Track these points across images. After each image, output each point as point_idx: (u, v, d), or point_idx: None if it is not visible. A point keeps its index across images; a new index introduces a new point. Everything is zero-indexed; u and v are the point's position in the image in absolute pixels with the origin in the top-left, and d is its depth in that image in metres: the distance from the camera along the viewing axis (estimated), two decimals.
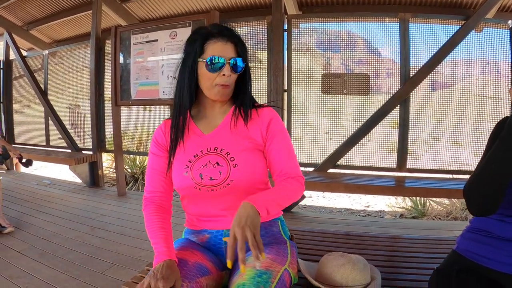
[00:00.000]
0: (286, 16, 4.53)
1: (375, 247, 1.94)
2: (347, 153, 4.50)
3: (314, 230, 2.26)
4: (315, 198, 6.24)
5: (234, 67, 1.40)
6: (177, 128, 1.48)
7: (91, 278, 2.91)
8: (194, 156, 1.45)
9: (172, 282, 1.19)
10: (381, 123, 4.38)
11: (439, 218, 4.84)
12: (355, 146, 4.46)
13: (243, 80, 1.49)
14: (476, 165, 1.27)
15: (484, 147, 1.33)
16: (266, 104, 1.57)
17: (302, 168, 4.61)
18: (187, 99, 1.46)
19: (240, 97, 1.50)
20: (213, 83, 1.40)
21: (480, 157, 1.31)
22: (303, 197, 4.54)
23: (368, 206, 5.75)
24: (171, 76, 4.50)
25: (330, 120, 4.66)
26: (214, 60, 1.37)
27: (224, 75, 1.39)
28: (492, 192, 1.16)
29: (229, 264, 1.13)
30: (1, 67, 7.74)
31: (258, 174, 1.44)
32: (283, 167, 1.45)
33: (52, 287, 2.80)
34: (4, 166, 7.53)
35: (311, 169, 4.65)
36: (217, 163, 1.41)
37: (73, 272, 3.03)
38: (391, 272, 1.63)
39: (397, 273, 1.64)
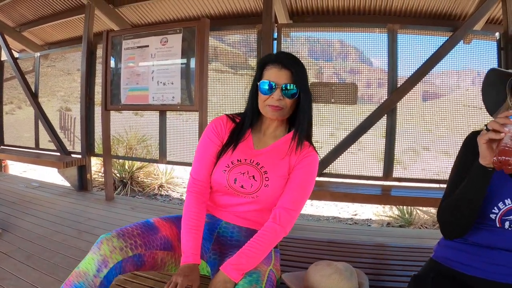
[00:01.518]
0: (276, 25, 4.56)
1: (360, 255, 1.99)
2: (334, 162, 4.53)
3: (300, 237, 2.31)
4: None
5: (286, 93, 1.52)
6: (238, 132, 1.65)
7: None
8: (238, 160, 1.60)
9: (191, 282, 1.36)
10: (368, 132, 4.41)
11: (426, 227, 4.90)
12: (342, 154, 4.49)
13: (300, 108, 1.59)
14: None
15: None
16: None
17: None
18: (250, 114, 1.65)
19: (296, 126, 1.62)
20: (265, 104, 1.56)
21: (451, 168, 1.44)
22: None
23: (355, 215, 5.80)
24: (161, 82, 4.53)
25: (320, 130, 4.70)
26: (266, 84, 1.53)
27: (273, 97, 1.53)
28: (464, 222, 1.31)
29: None
30: None
31: (279, 197, 1.56)
32: (284, 197, 1.56)
33: None
34: None
35: None
36: (253, 177, 1.57)
37: (59, 275, 3.04)
38: (376, 280, 1.67)
39: (381, 280, 1.68)
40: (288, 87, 1.53)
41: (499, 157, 1.09)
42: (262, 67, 1.60)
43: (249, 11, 5.54)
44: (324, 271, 1.47)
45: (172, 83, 4.46)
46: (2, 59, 7.61)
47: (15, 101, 8.04)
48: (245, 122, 1.66)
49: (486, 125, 1.20)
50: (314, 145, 1.68)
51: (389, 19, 4.83)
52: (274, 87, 1.53)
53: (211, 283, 1.36)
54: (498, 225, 1.31)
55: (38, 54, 6.99)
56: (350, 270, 1.49)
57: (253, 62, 4.64)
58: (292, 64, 1.55)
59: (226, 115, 1.74)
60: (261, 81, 1.56)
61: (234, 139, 1.65)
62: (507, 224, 1.30)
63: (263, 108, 1.58)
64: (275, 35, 4.53)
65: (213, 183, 1.64)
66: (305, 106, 1.59)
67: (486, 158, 1.18)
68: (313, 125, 1.68)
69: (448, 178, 1.47)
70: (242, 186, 1.56)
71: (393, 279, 1.70)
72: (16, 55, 7.57)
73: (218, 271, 1.42)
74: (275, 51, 4.47)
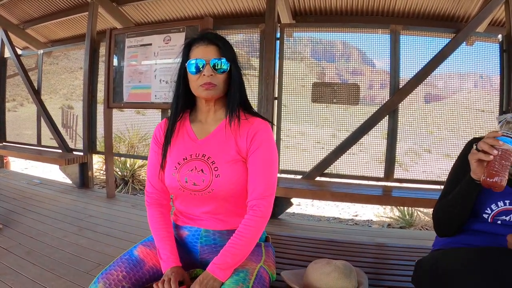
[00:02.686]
0: (279, 24, 4.58)
1: (360, 254, 1.98)
2: (335, 162, 4.53)
3: (300, 236, 2.29)
4: (303, 206, 6.28)
5: (217, 68, 1.46)
6: (168, 132, 1.58)
7: (76, 278, 2.93)
8: (184, 159, 1.52)
9: (181, 277, 1.40)
10: (370, 133, 4.42)
11: (426, 229, 4.90)
12: (344, 155, 4.50)
13: (232, 82, 1.53)
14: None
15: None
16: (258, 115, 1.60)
17: (290, 176, 4.67)
18: (176, 105, 1.57)
19: (230, 103, 1.54)
20: (197, 84, 1.47)
21: (451, 168, 1.49)
22: (290, 204, 4.57)
23: (356, 215, 5.80)
24: (163, 80, 4.55)
25: (323, 130, 4.71)
26: (194, 63, 1.45)
27: (204, 75, 1.45)
28: (455, 223, 1.39)
29: None
30: None
31: (239, 185, 1.49)
32: (255, 186, 1.48)
33: (38, 285, 2.82)
34: None
35: (299, 176, 4.68)
36: (202, 171, 1.48)
37: (59, 271, 3.05)
38: (376, 279, 1.66)
39: (381, 279, 1.67)
40: (218, 62, 1.46)
41: (488, 179, 1.16)
42: (188, 49, 1.53)
43: (252, 11, 5.55)
44: (324, 269, 1.45)
45: (175, 82, 4.44)
46: (5, 56, 7.66)
47: (17, 98, 8.10)
48: (174, 114, 1.59)
49: (476, 145, 1.24)
50: (258, 114, 1.62)
51: (392, 20, 4.85)
52: (203, 64, 1.46)
53: (196, 281, 1.32)
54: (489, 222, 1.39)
55: (41, 51, 7.04)
56: (349, 268, 1.48)
57: (256, 62, 4.64)
58: (218, 38, 1.51)
59: (167, 117, 1.66)
60: (188, 60, 1.48)
61: (169, 137, 1.59)
62: (498, 222, 1.37)
63: (196, 90, 1.51)
64: (278, 35, 4.54)
65: (169, 188, 1.60)
66: (236, 79, 1.52)
67: (476, 174, 1.25)
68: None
69: (446, 178, 1.52)
70: (194, 184, 1.49)
71: (392, 278, 1.70)
72: (19, 52, 7.62)
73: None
74: (278, 51, 4.51)
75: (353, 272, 1.48)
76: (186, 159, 1.52)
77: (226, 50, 1.49)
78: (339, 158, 4.52)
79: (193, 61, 1.46)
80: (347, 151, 4.49)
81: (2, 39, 7.45)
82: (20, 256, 3.36)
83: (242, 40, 4.91)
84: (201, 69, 1.45)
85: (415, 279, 1.47)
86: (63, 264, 3.20)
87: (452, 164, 1.52)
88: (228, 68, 1.49)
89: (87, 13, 5.91)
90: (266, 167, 1.49)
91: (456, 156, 1.51)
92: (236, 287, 1.29)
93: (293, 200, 4.64)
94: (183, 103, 1.58)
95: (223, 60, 1.47)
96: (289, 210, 5.25)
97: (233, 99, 1.53)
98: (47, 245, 3.63)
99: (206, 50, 1.47)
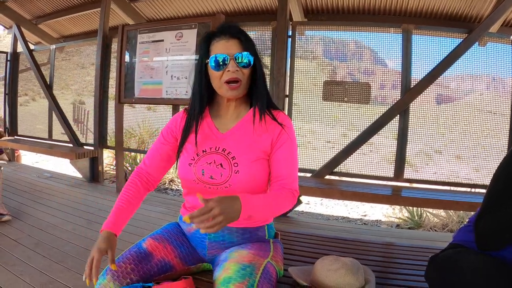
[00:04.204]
0: (291, 22, 4.59)
1: (368, 252, 1.96)
2: (345, 161, 4.54)
3: (308, 233, 2.27)
4: (312, 205, 6.28)
5: (240, 62, 1.43)
6: (187, 126, 1.58)
7: (84, 270, 2.97)
8: (203, 151, 1.52)
9: (105, 252, 1.35)
10: (380, 132, 4.42)
11: (435, 230, 4.89)
12: (354, 154, 4.50)
13: (258, 77, 1.51)
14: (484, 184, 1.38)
15: (495, 167, 1.37)
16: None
17: (300, 174, 4.69)
18: (198, 102, 1.54)
19: (255, 99, 1.54)
20: (221, 81, 1.45)
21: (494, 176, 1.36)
22: (299, 202, 4.59)
23: (365, 215, 5.79)
24: (175, 76, 4.58)
25: (333, 129, 4.73)
26: (217, 58, 1.42)
27: (229, 71, 1.42)
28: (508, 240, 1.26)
29: (185, 219, 1.22)
30: (8, 59, 7.86)
31: (258, 183, 1.49)
32: (281, 177, 1.49)
33: (46, 276, 2.86)
34: (5, 157, 7.67)
35: (308, 174, 4.69)
36: (221, 165, 1.47)
37: (68, 263, 3.09)
38: (383, 277, 1.65)
39: (388, 278, 1.66)
40: (241, 56, 1.43)
41: None
42: (208, 44, 1.48)
43: (264, 8, 5.57)
44: (331, 266, 1.45)
45: (186, 78, 4.49)
46: (18, 50, 7.78)
47: (29, 93, 8.21)
48: (194, 110, 1.57)
49: None
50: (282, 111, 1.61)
51: (404, 19, 4.83)
52: (226, 59, 1.42)
53: (215, 198, 1.24)
54: None
55: (53, 46, 7.13)
56: (357, 265, 1.48)
57: (267, 59, 4.66)
58: (239, 32, 1.47)
59: (185, 109, 1.66)
60: (210, 57, 1.44)
61: (188, 131, 1.57)
62: None
63: (220, 87, 1.48)
64: (290, 33, 4.56)
65: (182, 180, 1.58)
66: (260, 73, 1.51)
67: None
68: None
69: (488, 186, 1.35)
70: (211, 177, 1.48)
71: (400, 277, 1.68)
72: (31, 47, 7.71)
73: (220, 262, 1.44)
74: (289, 49, 4.53)
75: (360, 269, 1.48)
76: (206, 151, 1.51)
77: (248, 43, 1.46)
78: (349, 157, 4.52)
79: (216, 57, 1.42)
80: (357, 150, 4.50)
81: (15, 34, 7.56)
82: (29, 248, 3.41)
83: (254, 38, 4.91)
84: (225, 64, 1.42)
85: (429, 277, 1.45)
86: (71, 257, 3.24)
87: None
88: (252, 62, 1.47)
89: (99, 9, 5.97)
90: (293, 165, 1.51)
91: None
92: (242, 281, 1.27)
93: (302, 198, 4.64)
94: (204, 99, 1.56)
95: (247, 54, 1.44)
96: (298, 208, 5.27)
97: (261, 95, 1.53)
98: (56, 237, 3.68)
99: (228, 45, 1.44)
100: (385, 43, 4.47)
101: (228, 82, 1.44)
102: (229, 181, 1.45)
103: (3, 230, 3.81)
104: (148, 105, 5.84)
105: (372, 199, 4.11)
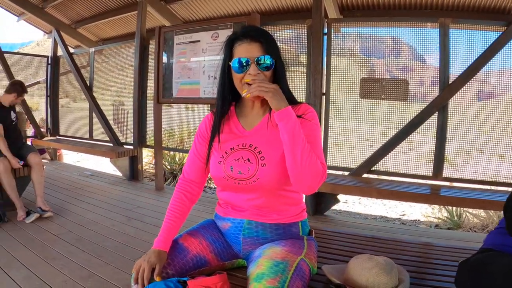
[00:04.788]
0: (326, 20, 4.59)
1: (404, 252, 1.95)
2: (383, 159, 4.51)
3: (343, 231, 2.28)
4: (350, 204, 6.28)
5: (262, 64, 1.47)
6: (215, 126, 1.63)
7: (123, 265, 3.08)
8: (231, 149, 1.57)
9: (154, 265, 1.42)
10: (418, 130, 4.36)
11: (475, 231, 4.78)
12: (392, 152, 4.46)
13: (279, 78, 1.54)
14: None
15: None
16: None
17: (337, 172, 4.68)
18: (222, 102, 1.61)
19: None
20: (242, 83, 1.50)
21: None
22: (337, 200, 4.59)
23: (403, 215, 5.73)
24: (212, 76, 4.67)
25: (372, 127, 4.70)
26: (239, 62, 1.47)
27: (250, 73, 1.46)
28: None
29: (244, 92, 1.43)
30: (49, 63, 8.21)
31: (284, 175, 1.50)
32: None
33: (86, 270, 2.99)
34: (47, 156, 7.99)
35: (346, 173, 4.69)
36: (248, 160, 1.52)
37: (107, 258, 3.21)
38: (418, 278, 1.64)
39: (423, 278, 1.64)
40: (263, 59, 1.47)
41: None
42: (230, 46, 1.53)
43: (299, 6, 5.59)
44: (365, 264, 1.46)
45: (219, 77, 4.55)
46: (58, 54, 8.11)
47: (70, 94, 8.52)
48: (220, 109, 1.63)
49: None
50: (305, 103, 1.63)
51: (440, 13, 4.73)
52: (248, 62, 1.46)
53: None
54: None
55: (92, 49, 7.40)
56: (391, 265, 1.47)
57: (303, 57, 4.67)
58: (261, 35, 1.51)
59: (212, 111, 1.71)
60: (233, 59, 1.49)
61: (216, 130, 1.62)
62: None
63: (240, 88, 1.52)
64: (325, 30, 4.55)
65: (214, 178, 1.63)
66: (281, 75, 1.55)
67: None
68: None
69: None
70: (239, 172, 1.53)
71: (435, 278, 1.65)
72: (71, 50, 8.03)
73: (254, 258, 1.49)
74: (325, 47, 4.53)
75: (394, 269, 1.47)
76: (233, 148, 1.57)
77: (270, 46, 1.50)
78: (387, 155, 4.49)
79: (238, 60, 1.47)
80: (395, 149, 4.45)
81: (55, 39, 7.90)
82: (70, 243, 3.56)
83: (290, 36, 4.96)
84: (247, 67, 1.47)
85: (459, 282, 1.43)
86: (111, 252, 3.37)
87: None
88: (274, 65, 1.51)
89: (136, 12, 6.15)
90: (317, 142, 1.52)
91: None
92: (275, 277, 1.30)
93: (340, 197, 4.63)
94: (229, 98, 1.62)
95: (268, 57, 1.48)
96: (336, 207, 5.27)
97: (286, 93, 1.55)
98: (96, 233, 3.83)
99: (250, 48, 1.48)
100: (422, 39, 4.39)
101: (248, 83, 1.48)
102: (257, 175, 1.50)
103: (45, 225, 4.00)
104: (186, 104, 5.93)
105: (409, 198, 4.05)
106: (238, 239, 1.62)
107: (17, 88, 4.55)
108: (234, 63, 1.48)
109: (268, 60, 1.47)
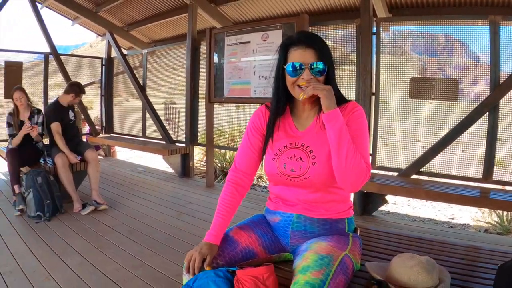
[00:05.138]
0: (375, 19, 4.60)
1: (448, 254, 1.94)
2: (432, 160, 4.44)
3: (388, 231, 2.29)
4: (399, 205, 6.26)
5: (315, 69, 1.55)
6: (270, 124, 1.73)
7: (173, 256, 3.26)
8: (284, 147, 1.67)
9: (205, 255, 1.55)
10: (469, 131, 4.27)
11: None
12: (441, 153, 4.38)
13: (331, 82, 1.62)
14: None
15: None
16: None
17: (386, 173, 4.66)
18: (276, 103, 1.70)
19: None
20: (294, 85, 1.58)
21: None
22: (385, 201, 4.57)
23: (452, 218, 5.65)
24: (262, 76, 4.80)
25: (423, 127, 4.66)
26: (293, 66, 1.55)
27: (303, 78, 1.54)
28: None
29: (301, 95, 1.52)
30: (103, 64, 8.66)
31: (334, 175, 1.57)
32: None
33: (137, 260, 3.19)
34: (101, 152, 8.41)
35: (395, 173, 4.67)
36: (300, 158, 1.62)
37: (158, 249, 3.40)
38: (460, 280, 1.64)
39: (465, 280, 1.64)
40: (316, 65, 1.54)
41: None
42: (285, 50, 1.61)
43: (347, 6, 5.62)
44: (406, 263, 1.49)
45: (274, 78, 4.62)
46: (112, 56, 8.53)
47: (122, 94, 8.90)
48: (275, 110, 1.71)
49: None
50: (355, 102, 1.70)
51: (490, 10, 4.62)
52: (302, 67, 1.54)
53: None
54: None
55: (145, 51, 7.74)
56: (432, 264, 1.50)
57: (353, 56, 4.70)
58: (315, 42, 1.57)
59: (265, 104, 1.82)
60: (287, 63, 1.57)
61: (271, 129, 1.71)
62: None
63: (293, 90, 1.60)
64: (374, 29, 4.55)
65: (267, 174, 1.75)
66: (333, 79, 1.62)
67: None
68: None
69: None
70: (292, 170, 1.62)
71: (479, 281, 1.63)
72: (124, 52, 8.42)
73: (300, 252, 1.58)
74: (374, 47, 4.54)
75: (435, 268, 1.50)
76: (286, 147, 1.67)
77: (323, 52, 1.57)
78: (436, 156, 4.41)
79: (292, 64, 1.55)
80: (444, 150, 4.37)
81: (108, 41, 8.31)
82: (123, 234, 3.80)
83: (340, 36, 5.00)
84: (301, 72, 1.55)
85: (497, 285, 1.45)
86: (161, 244, 3.55)
87: None
88: (326, 70, 1.58)
89: (186, 14, 6.39)
90: (363, 143, 1.59)
91: None
92: (319, 270, 1.37)
93: (389, 198, 4.62)
94: (283, 99, 1.70)
95: (321, 63, 1.55)
96: (384, 208, 5.28)
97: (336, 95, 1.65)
98: (148, 226, 4.06)
99: (304, 54, 1.55)
100: (473, 36, 4.29)
101: (302, 86, 1.57)
102: (308, 173, 1.60)
103: (99, 217, 4.29)
104: (237, 104, 6.10)
105: (457, 200, 3.97)
106: (287, 232, 1.71)
107: (75, 89, 4.84)
108: (288, 67, 1.56)
109: (321, 65, 1.55)
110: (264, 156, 1.76)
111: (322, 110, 1.59)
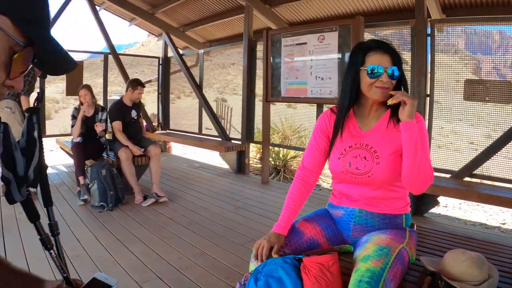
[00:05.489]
0: (429, 19, 4.62)
1: (497, 253, 2.00)
2: (486, 163, 4.40)
3: (441, 230, 2.38)
4: (450, 208, 6.23)
5: (391, 75, 1.70)
6: (337, 124, 1.87)
7: (231, 247, 3.46)
8: (349, 146, 1.83)
9: (273, 243, 1.74)
10: None
11: None
12: (495, 156, 4.32)
13: (398, 87, 1.77)
14: None
15: None
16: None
17: (438, 174, 4.62)
18: (346, 101, 1.82)
19: (397, 104, 1.75)
20: (372, 86, 1.72)
21: None
22: (437, 202, 4.60)
23: (504, 223, 5.57)
24: (319, 77, 4.96)
25: (476, 129, 4.63)
26: (374, 69, 1.69)
27: (381, 80, 1.69)
28: None
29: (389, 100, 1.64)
30: (160, 63, 9.11)
31: (395, 173, 1.74)
32: None
33: (197, 249, 3.42)
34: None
35: (447, 175, 4.66)
36: (365, 158, 1.78)
37: (216, 240, 3.62)
38: (508, 277, 1.70)
39: None
40: (392, 70, 1.68)
41: None
42: (364, 54, 1.74)
43: (401, 6, 5.60)
44: (458, 257, 1.57)
45: (330, 78, 4.85)
46: (168, 55, 8.96)
47: (174, 91, 9.35)
48: (342, 111, 1.85)
49: None
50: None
51: None
52: (382, 71, 1.68)
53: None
54: None
55: (202, 51, 8.08)
56: (482, 260, 1.57)
57: (407, 56, 4.72)
58: (390, 48, 1.73)
59: (331, 109, 1.97)
60: (368, 66, 1.70)
61: (339, 129, 1.85)
62: None
63: (369, 90, 1.73)
64: (429, 30, 4.56)
65: (332, 172, 1.91)
66: (404, 84, 1.77)
67: None
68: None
69: None
70: (356, 168, 1.79)
71: None
72: (180, 51, 8.77)
73: (361, 243, 1.73)
74: (429, 48, 4.54)
75: (485, 264, 1.57)
76: (351, 147, 1.82)
77: (397, 58, 1.73)
78: (489, 159, 4.37)
79: (374, 67, 1.69)
80: (498, 153, 4.30)
81: (165, 41, 8.74)
82: (183, 225, 4.07)
83: (393, 36, 5.04)
84: (379, 75, 1.69)
85: None
86: (219, 235, 3.77)
87: None
88: (399, 76, 1.73)
89: (242, 15, 6.65)
90: (427, 146, 1.75)
91: None
92: (379, 259, 1.52)
93: (441, 201, 4.64)
94: (352, 100, 1.83)
95: (396, 68, 1.70)
96: (435, 210, 5.26)
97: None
98: (206, 218, 4.31)
99: (383, 58, 1.71)
100: None
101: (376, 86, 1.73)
102: (372, 171, 1.76)
103: (159, 209, 4.59)
104: (288, 103, 6.32)
105: (509, 203, 3.95)
106: (349, 225, 1.87)
107: (131, 83, 5.20)
108: (369, 69, 1.70)
109: (396, 71, 1.70)
110: (330, 155, 1.91)
111: (387, 110, 1.80)
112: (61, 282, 0.98)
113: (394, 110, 1.76)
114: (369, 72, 1.70)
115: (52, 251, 0.96)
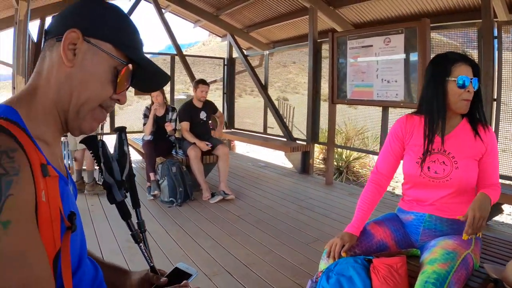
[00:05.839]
0: (495, 21, 4.54)
1: None
2: None
3: (503, 238, 2.39)
4: None
5: (474, 85, 1.80)
6: (432, 131, 1.89)
7: (297, 246, 3.57)
8: (428, 152, 1.90)
9: (345, 242, 1.85)
10: None
11: None
12: None
13: (476, 98, 1.86)
14: None
15: None
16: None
17: (504, 181, 4.41)
18: (436, 110, 1.86)
19: (474, 113, 1.91)
20: (459, 98, 1.79)
21: None
22: (501, 211, 4.49)
23: None
24: (385, 80, 5.01)
25: None
26: (464, 80, 1.77)
27: (468, 91, 1.78)
28: None
29: (464, 237, 1.69)
30: (225, 63, 9.49)
31: (471, 178, 1.85)
32: (487, 178, 1.88)
33: (264, 247, 3.54)
34: None
35: None
36: (443, 162, 1.86)
37: (282, 239, 3.74)
38: None
39: None
40: (476, 81, 1.78)
41: None
42: (451, 65, 1.80)
43: (466, 6, 5.51)
44: None
45: (396, 81, 4.91)
46: (233, 56, 9.31)
47: (241, 92, 9.67)
48: (432, 120, 1.88)
49: None
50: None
51: None
52: (469, 81, 1.76)
53: (474, 202, 1.72)
54: None
55: (266, 52, 8.34)
56: None
57: (475, 59, 4.40)
58: (471, 60, 1.82)
59: (407, 115, 2.04)
60: (459, 76, 1.77)
61: (426, 136, 1.89)
62: None
63: (457, 103, 1.81)
64: (495, 32, 4.47)
65: (407, 175, 1.98)
66: (481, 95, 1.86)
67: None
68: None
69: None
70: (435, 172, 1.86)
71: None
72: (244, 52, 9.07)
73: (429, 247, 1.81)
74: (496, 51, 4.47)
75: None
76: (430, 152, 1.89)
77: (477, 71, 1.82)
78: None
79: (464, 78, 1.77)
80: None
81: (229, 42, 9.10)
82: (250, 223, 4.22)
83: (459, 37, 4.99)
84: (467, 85, 1.77)
85: None
86: (285, 234, 3.89)
87: None
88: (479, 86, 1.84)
89: (306, 16, 6.78)
90: (496, 168, 1.92)
91: None
92: (445, 263, 1.60)
93: (505, 208, 4.56)
94: (442, 109, 1.86)
95: (477, 79, 1.80)
96: (499, 218, 5.21)
97: (482, 112, 1.92)
98: (272, 217, 4.45)
99: (468, 70, 1.80)
100: None
101: (463, 99, 1.81)
102: (450, 176, 1.84)
103: (226, 206, 4.80)
104: (349, 104, 6.42)
105: None
106: (418, 230, 1.95)
107: (194, 83, 5.49)
108: (459, 80, 1.78)
109: (477, 82, 1.81)
110: (406, 158, 2.00)
111: (462, 119, 1.91)
112: (147, 271, 1.14)
113: (471, 117, 1.90)
114: (459, 82, 1.78)
115: (141, 244, 1.14)
